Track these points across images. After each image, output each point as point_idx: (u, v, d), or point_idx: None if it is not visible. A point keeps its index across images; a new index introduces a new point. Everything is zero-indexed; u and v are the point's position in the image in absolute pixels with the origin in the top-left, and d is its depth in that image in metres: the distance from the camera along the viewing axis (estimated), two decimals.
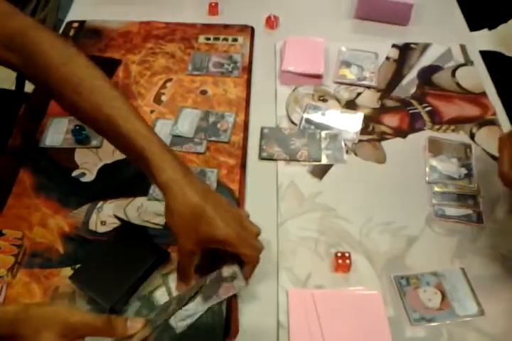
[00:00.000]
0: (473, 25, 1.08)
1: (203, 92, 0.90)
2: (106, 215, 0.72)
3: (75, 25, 1.02)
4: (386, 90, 0.90)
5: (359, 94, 0.90)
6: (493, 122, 0.85)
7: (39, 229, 0.70)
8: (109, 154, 0.80)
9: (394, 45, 0.98)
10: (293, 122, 0.85)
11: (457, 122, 0.85)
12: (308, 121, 0.85)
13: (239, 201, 0.74)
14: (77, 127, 0.81)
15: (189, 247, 0.59)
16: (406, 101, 0.89)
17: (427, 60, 0.95)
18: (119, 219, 0.72)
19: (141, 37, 1.00)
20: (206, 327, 0.61)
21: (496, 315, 0.62)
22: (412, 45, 0.98)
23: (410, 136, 0.83)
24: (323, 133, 0.82)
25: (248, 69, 0.94)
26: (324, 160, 0.79)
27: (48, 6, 1.33)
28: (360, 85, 0.91)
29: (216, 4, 1.05)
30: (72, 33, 1.00)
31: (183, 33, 1.01)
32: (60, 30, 1.02)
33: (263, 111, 0.87)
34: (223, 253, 0.61)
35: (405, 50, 0.97)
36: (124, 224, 0.71)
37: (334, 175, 0.77)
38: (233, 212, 0.61)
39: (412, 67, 0.94)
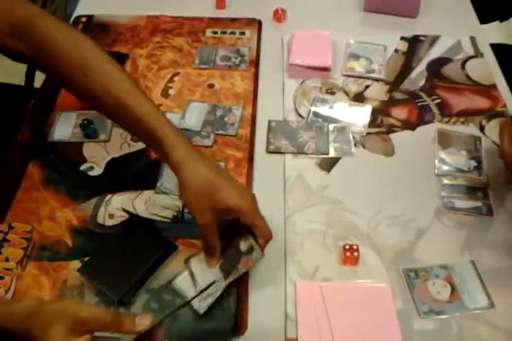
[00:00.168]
0: (485, 18, 1.07)
1: (211, 86, 0.89)
2: (114, 208, 0.72)
3: (83, 19, 1.02)
4: (395, 83, 0.89)
5: (367, 86, 0.89)
6: (503, 114, 0.84)
7: (48, 222, 0.71)
8: (117, 148, 0.80)
9: (403, 38, 0.97)
10: (300, 115, 0.84)
11: (467, 114, 0.84)
12: (316, 114, 0.84)
13: None
14: (85, 121, 0.81)
15: (207, 219, 0.59)
16: (415, 93, 0.88)
17: (436, 52, 0.94)
18: (127, 212, 0.72)
19: (148, 31, 1.00)
20: (217, 324, 0.61)
21: (507, 308, 0.62)
22: (421, 38, 0.97)
23: (419, 129, 0.83)
24: (331, 126, 0.82)
25: (255, 62, 0.93)
26: (332, 153, 0.79)
27: (56, 0, 1.34)
28: (368, 78, 0.90)
29: None
30: (80, 27, 1.01)
31: (190, 26, 1.01)
32: None
33: (270, 104, 0.86)
34: (236, 228, 0.62)
35: (414, 43, 0.96)
36: (132, 217, 0.72)
37: (342, 168, 0.77)
38: (244, 187, 0.64)
39: (421, 60, 0.93)
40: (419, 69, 0.91)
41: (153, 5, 1.05)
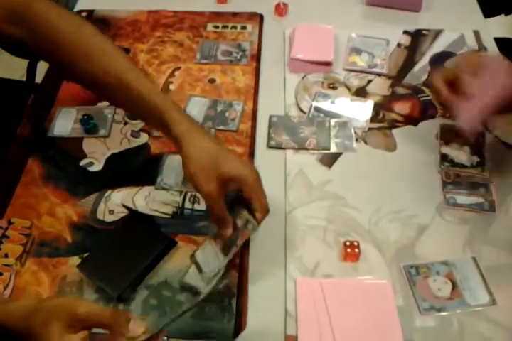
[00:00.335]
0: (490, 11, 1.05)
1: (212, 81, 0.89)
2: (114, 204, 0.72)
3: (84, 14, 1.02)
4: (397, 77, 0.89)
5: (369, 81, 0.88)
6: None
7: (47, 218, 0.71)
8: (117, 143, 0.80)
9: (405, 32, 0.96)
10: (302, 110, 0.84)
11: None
12: (318, 109, 0.83)
13: None
14: (85, 116, 0.81)
15: (213, 187, 0.59)
16: (417, 88, 0.87)
17: (439, 46, 0.93)
18: (126, 208, 0.72)
19: (149, 26, 0.99)
20: (217, 322, 0.61)
21: (508, 305, 0.61)
22: (424, 32, 0.96)
23: (421, 124, 0.82)
24: (333, 121, 0.81)
25: (257, 57, 0.93)
26: (333, 149, 0.78)
27: None
28: (370, 72, 0.89)
29: None
30: None
31: (191, 21, 1.00)
32: None
33: (272, 99, 0.86)
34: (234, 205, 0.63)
35: (417, 37, 0.95)
36: (132, 213, 0.71)
37: (343, 164, 0.76)
38: (247, 161, 0.65)
39: (424, 54, 0.92)
40: (422, 64, 0.90)
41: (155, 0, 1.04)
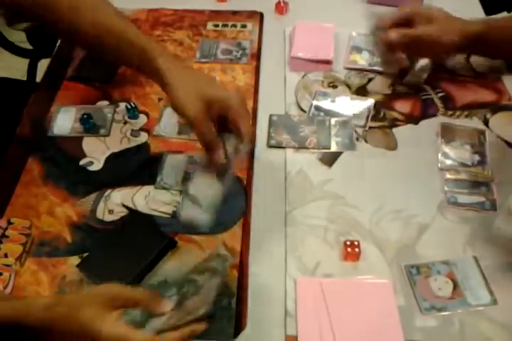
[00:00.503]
0: (491, 9, 1.05)
1: None
2: (113, 204, 0.72)
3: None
4: (398, 76, 0.88)
5: (370, 79, 0.88)
6: (507, 107, 0.82)
7: (47, 217, 0.70)
8: (117, 143, 0.80)
9: None
10: (302, 109, 0.83)
11: (471, 108, 0.83)
12: (318, 108, 0.83)
13: (246, 189, 0.73)
14: (85, 116, 0.81)
15: (199, 109, 0.60)
16: (418, 87, 0.86)
17: None
18: (126, 207, 0.72)
19: (149, 24, 0.99)
20: (216, 322, 0.60)
21: (510, 305, 0.61)
22: None
23: (422, 122, 0.81)
24: (333, 120, 0.81)
25: (257, 55, 0.92)
26: (334, 148, 0.78)
27: None
28: (371, 71, 0.89)
29: None
30: None
31: (191, 19, 1.00)
32: None
33: (272, 98, 0.85)
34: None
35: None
36: (132, 213, 0.71)
37: (344, 163, 0.76)
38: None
39: None
40: (423, 62, 0.90)
41: None
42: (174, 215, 0.71)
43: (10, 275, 0.65)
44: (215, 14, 1.00)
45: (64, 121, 0.82)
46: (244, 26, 0.98)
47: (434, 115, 0.82)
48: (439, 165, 0.75)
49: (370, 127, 0.81)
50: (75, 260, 0.66)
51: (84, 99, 0.86)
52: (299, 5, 1.02)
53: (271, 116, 0.82)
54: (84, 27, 0.67)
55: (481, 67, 0.89)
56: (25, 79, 1.28)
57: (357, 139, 0.79)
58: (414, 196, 0.72)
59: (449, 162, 0.75)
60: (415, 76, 0.88)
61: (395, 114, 0.83)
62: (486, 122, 0.81)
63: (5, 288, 0.64)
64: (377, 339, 0.59)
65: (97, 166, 0.77)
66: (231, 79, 0.88)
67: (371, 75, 0.88)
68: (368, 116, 0.82)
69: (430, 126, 0.80)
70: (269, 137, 0.79)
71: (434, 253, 0.66)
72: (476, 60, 0.90)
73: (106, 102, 0.86)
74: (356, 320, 0.60)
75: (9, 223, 0.70)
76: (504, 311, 0.60)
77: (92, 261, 0.64)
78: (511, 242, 0.66)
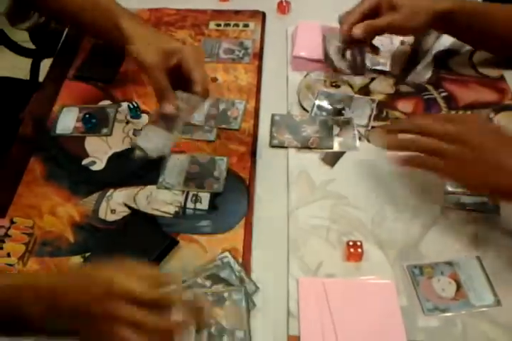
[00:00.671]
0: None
1: (214, 79, 0.88)
2: (116, 203, 0.72)
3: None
4: (400, 75, 0.88)
5: (373, 79, 0.88)
6: (510, 107, 0.82)
7: (49, 217, 0.70)
8: (119, 142, 0.80)
9: None
10: (305, 109, 0.83)
11: (474, 107, 0.83)
12: (320, 108, 0.83)
13: (249, 189, 0.73)
14: (87, 115, 0.81)
15: (156, 58, 0.66)
16: (421, 86, 0.86)
17: (442, 44, 0.92)
18: (128, 207, 0.72)
19: (151, 24, 0.98)
20: None
21: None
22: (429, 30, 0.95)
23: None
24: (335, 120, 0.80)
25: (259, 55, 0.92)
26: (336, 148, 0.77)
27: None
28: (373, 70, 0.88)
29: None
30: None
31: (193, 19, 1.00)
32: None
33: (274, 97, 0.85)
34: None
35: (420, 35, 0.94)
36: (134, 213, 0.71)
37: (346, 163, 0.76)
38: None
39: (428, 52, 0.91)
40: (426, 62, 0.90)
41: None
42: (176, 215, 0.70)
43: None
44: (217, 14, 1.00)
45: (66, 121, 0.82)
46: (246, 26, 0.98)
47: None
48: None
49: (372, 127, 0.80)
50: (77, 260, 0.66)
51: (87, 99, 0.86)
52: (301, 4, 1.01)
53: (273, 115, 0.82)
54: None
55: (484, 66, 0.88)
56: (28, 78, 1.28)
57: (359, 139, 0.79)
58: (416, 196, 0.72)
59: None
60: (418, 75, 0.88)
61: (398, 114, 0.82)
62: None
63: None
64: (379, 340, 0.59)
65: (99, 166, 0.77)
66: (233, 79, 0.88)
67: (374, 75, 0.88)
68: (370, 116, 0.81)
69: None
70: (272, 137, 0.79)
71: (437, 254, 0.65)
72: (478, 58, 0.90)
73: (108, 102, 0.86)
74: (359, 320, 0.60)
75: (12, 222, 0.70)
76: (508, 312, 0.60)
77: (94, 260, 0.64)
78: None
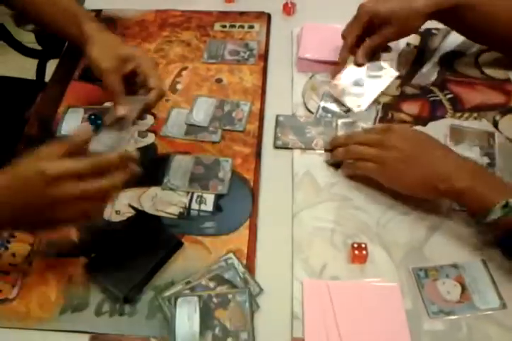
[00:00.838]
0: None
1: (219, 81, 0.88)
2: (121, 204, 0.72)
3: (92, 14, 1.02)
4: (406, 77, 0.88)
5: None
6: None
7: None
8: None
9: None
10: (309, 110, 0.83)
11: (480, 110, 0.82)
12: (326, 109, 0.83)
13: (253, 191, 0.73)
14: (93, 116, 0.81)
15: (111, 64, 0.70)
16: (427, 88, 0.86)
17: (448, 45, 0.92)
18: (133, 208, 0.72)
19: (157, 25, 0.99)
20: None
21: None
22: (434, 31, 0.95)
23: (431, 124, 0.81)
24: (340, 122, 0.80)
25: (264, 56, 0.92)
26: None
27: None
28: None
29: None
30: None
31: (198, 20, 1.00)
32: None
33: (279, 99, 0.85)
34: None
35: (426, 36, 0.94)
36: (139, 214, 0.71)
37: None
38: None
39: (433, 54, 0.91)
40: (431, 64, 0.89)
41: None
42: (181, 216, 0.70)
43: (18, 275, 0.65)
44: (223, 15, 1.00)
45: (71, 122, 0.83)
46: (251, 27, 0.98)
47: (443, 117, 0.82)
48: None
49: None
50: (82, 260, 0.66)
51: (92, 100, 0.86)
52: (307, 6, 1.01)
53: (278, 116, 0.82)
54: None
55: (490, 68, 0.88)
56: (34, 79, 1.28)
57: None
58: (422, 198, 0.71)
59: None
60: (423, 77, 0.87)
61: (403, 116, 0.82)
62: (495, 124, 0.80)
63: (13, 287, 0.64)
64: None
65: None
66: (238, 80, 0.88)
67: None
68: (375, 118, 0.81)
69: (438, 127, 0.80)
70: (276, 138, 0.79)
71: (443, 256, 0.65)
72: (485, 60, 0.89)
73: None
74: (363, 323, 0.60)
75: None
76: None
77: (99, 261, 0.64)
78: None
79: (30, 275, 0.65)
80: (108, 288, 0.62)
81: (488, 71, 0.88)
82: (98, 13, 1.02)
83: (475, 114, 0.82)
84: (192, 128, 0.81)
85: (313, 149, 0.77)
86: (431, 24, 0.95)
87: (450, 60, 0.90)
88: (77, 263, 0.66)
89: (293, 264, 0.65)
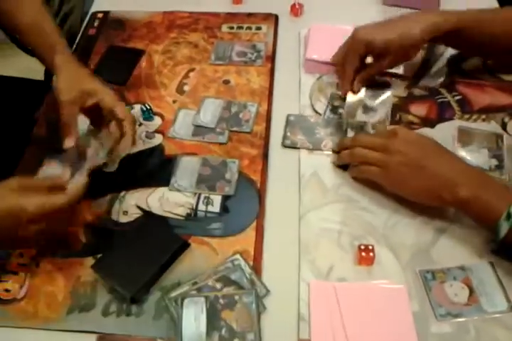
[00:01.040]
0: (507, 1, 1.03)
1: (226, 82, 0.89)
2: (128, 205, 0.72)
3: (100, 15, 1.02)
4: (414, 78, 0.87)
5: None
6: None
7: None
8: None
9: None
10: (317, 111, 0.83)
11: (488, 111, 0.82)
12: (333, 111, 0.83)
13: (260, 191, 0.73)
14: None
15: (72, 96, 0.71)
16: (434, 89, 0.86)
17: None
18: (141, 209, 0.72)
19: (164, 27, 0.99)
20: None
21: None
22: None
23: (439, 126, 0.80)
24: (350, 123, 0.80)
25: (272, 58, 0.92)
26: None
27: None
28: (386, 73, 0.88)
29: None
30: (96, 23, 1.01)
31: (206, 22, 1.00)
32: (85, 21, 1.02)
33: (286, 100, 0.85)
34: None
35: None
36: (146, 215, 0.71)
37: None
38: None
39: (442, 55, 0.91)
40: (439, 65, 0.89)
41: (170, 1, 1.04)
42: (188, 217, 0.71)
43: (25, 275, 0.65)
44: (230, 16, 1.01)
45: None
46: (259, 28, 0.98)
47: (451, 118, 0.81)
48: None
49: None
50: (89, 261, 0.66)
51: None
52: (314, 7, 1.01)
53: (288, 115, 0.82)
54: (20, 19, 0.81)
55: (499, 68, 0.87)
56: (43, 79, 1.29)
57: None
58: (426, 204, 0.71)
59: None
60: (431, 79, 0.87)
61: (411, 117, 0.82)
62: (503, 126, 0.79)
63: (21, 287, 0.64)
64: None
65: (112, 168, 0.77)
66: (246, 82, 0.88)
67: (387, 78, 0.88)
68: (384, 119, 0.81)
69: (446, 129, 0.79)
70: (285, 137, 0.79)
71: (450, 259, 0.65)
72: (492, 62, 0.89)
73: None
74: (370, 325, 0.60)
75: None
76: None
77: (107, 261, 0.65)
78: None
79: (37, 276, 0.65)
80: (115, 288, 0.62)
81: (497, 72, 0.87)
82: (106, 14, 1.02)
83: (483, 116, 0.81)
84: (199, 130, 0.81)
85: (321, 150, 0.77)
86: None
87: (458, 62, 0.89)
88: (85, 264, 0.66)
89: (300, 265, 0.65)
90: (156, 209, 0.72)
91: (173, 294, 0.62)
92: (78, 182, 0.65)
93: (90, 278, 0.65)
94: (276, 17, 1.00)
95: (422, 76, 0.88)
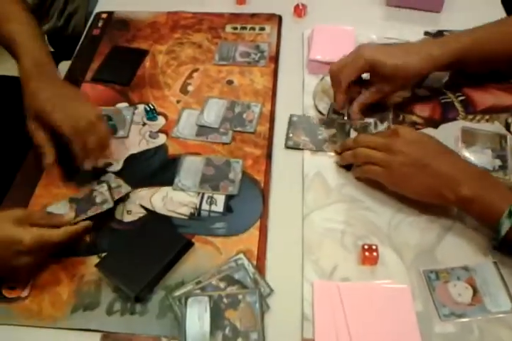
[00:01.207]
0: None
1: (230, 82, 0.89)
2: (132, 204, 0.73)
3: (104, 16, 1.03)
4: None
5: None
6: None
7: None
8: (136, 144, 0.80)
9: (426, 33, 0.95)
10: (320, 112, 0.83)
11: (492, 112, 0.82)
12: (337, 111, 0.83)
13: (264, 191, 0.73)
14: (104, 117, 0.81)
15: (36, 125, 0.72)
16: (438, 90, 0.86)
17: None
18: (144, 208, 0.72)
19: (168, 27, 1.00)
20: None
21: None
22: (445, 33, 0.94)
23: (442, 126, 0.81)
24: (353, 124, 0.80)
25: (275, 58, 0.92)
26: None
27: None
28: None
29: None
30: (100, 23, 1.01)
31: (210, 22, 1.00)
32: (89, 21, 1.03)
33: (290, 100, 0.85)
34: None
35: (438, 38, 0.94)
36: (150, 214, 0.72)
37: None
38: (85, 106, 0.74)
39: None
40: None
41: (174, 1, 1.04)
42: (191, 217, 0.71)
43: (29, 275, 0.65)
44: (234, 17, 1.01)
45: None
46: (262, 29, 0.98)
47: (454, 119, 0.81)
48: None
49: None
50: (94, 260, 0.66)
51: (104, 101, 0.87)
52: (318, 8, 1.01)
53: (291, 116, 0.82)
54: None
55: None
56: None
57: None
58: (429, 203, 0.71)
59: None
60: (435, 79, 0.87)
61: (415, 118, 0.82)
62: (507, 126, 0.79)
63: (24, 287, 0.64)
64: None
65: (116, 167, 0.77)
66: (249, 82, 0.88)
67: None
68: (387, 120, 0.81)
69: (450, 130, 0.79)
70: (287, 138, 0.79)
71: (454, 259, 0.65)
72: None
73: (125, 104, 0.86)
74: (374, 324, 0.60)
75: None
76: None
77: (111, 261, 0.65)
78: None
79: (42, 274, 0.66)
80: (119, 287, 0.63)
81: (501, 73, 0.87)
82: (110, 15, 1.03)
83: (487, 117, 0.81)
84: (203, 130, 0.81)
85: (324, 151, 0.77)
86: (442, 26, 0.96)
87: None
88: (89, 263, 0.66)
89: (303, 265, 0.65)
90: (160, 208, 0.72)
91: (177, 293, 0.62)
92: (80, 223, 0.67)
93: (94, 277, 0.65)
94: (280, 18, 1.00)
95: (426, 76, 0.87)
